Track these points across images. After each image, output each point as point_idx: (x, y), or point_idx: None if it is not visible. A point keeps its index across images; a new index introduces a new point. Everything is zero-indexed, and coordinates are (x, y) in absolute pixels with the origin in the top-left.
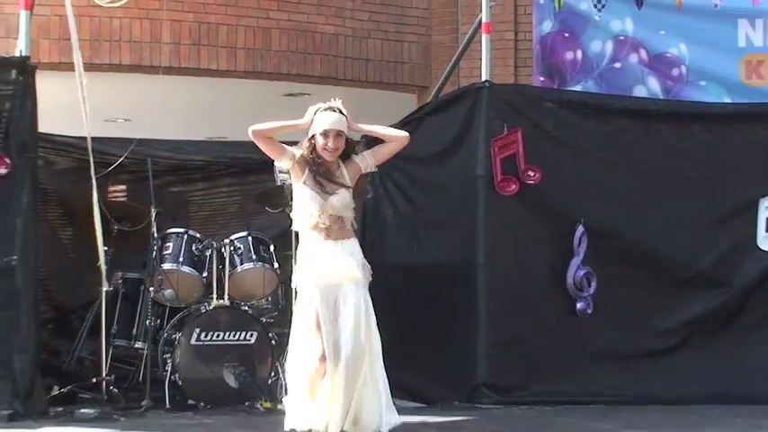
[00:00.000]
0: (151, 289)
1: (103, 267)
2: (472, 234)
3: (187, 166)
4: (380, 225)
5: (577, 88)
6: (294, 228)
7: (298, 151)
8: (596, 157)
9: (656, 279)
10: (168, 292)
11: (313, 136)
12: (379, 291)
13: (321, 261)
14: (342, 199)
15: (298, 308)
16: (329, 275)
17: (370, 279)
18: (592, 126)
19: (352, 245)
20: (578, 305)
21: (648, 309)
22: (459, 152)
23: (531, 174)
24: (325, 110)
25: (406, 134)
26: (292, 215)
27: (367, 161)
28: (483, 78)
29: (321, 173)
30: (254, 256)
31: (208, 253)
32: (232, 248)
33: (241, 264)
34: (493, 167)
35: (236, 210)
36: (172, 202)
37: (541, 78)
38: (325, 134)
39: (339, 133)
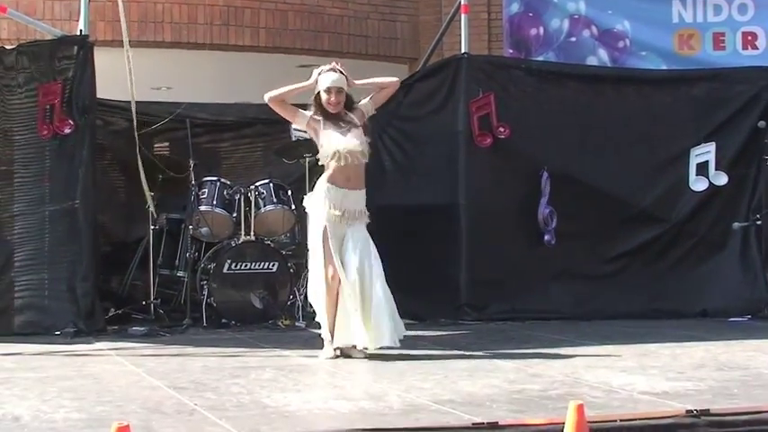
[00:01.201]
0: (190, 227)
1: (152, 208)
2: (455, 179)
3: (219, 125)
4: (380, 171)
5: (540, 58)
6: (321, 161)
7: (309, 112)
8: (556, 115)
9: (607, 215)
10: (204, 230)
11: (318, 93)
12: (379, 225)
13: (336, 204)
14: (356, 135)
15: (311, 234)
16: (339, 217)
17: (368, 222)
18: (552, 90)
19: (362, 195)
20: (545, 237)
21: (599, 240)
22: (443, 112)
23: (503, 129)
24: (328, 71)
25: (397, 79)
26: (319, 154)
27: (368, 106)
28: (462, 51)
29: (334, 119)
30: (274, 199)
31: (237, 197)
32: (257, 193)
33: (264, 206)
34: (471, 124)
35: (258, 160)
36: (206, 155)
37: (510, 51)
38: (328, 91)
39: (339, 90)
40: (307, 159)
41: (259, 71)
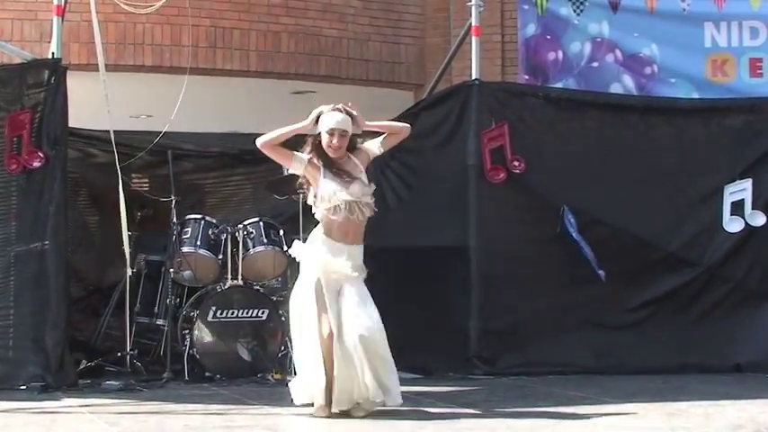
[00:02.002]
0: (171, 270)
1: (127, 251)
2: (464, 218)
3: (204, 157)
4: (382, 209)
5: (559, 85)
6: (318, 215)
7: (306, 155)
8: (577, 148)
9: (632, 258)
10: (187, 273)
11: (319, 134)
12: (381, 268)
13: (331, 257)
14: (360, 186)
15: (300, 286)
16: (334, 273)
17: (365, 276)
18: (572, 119)
19: (361, 250)
20: (600, 273)
21: (624, 285)
22: (452, 144)
23: (517, 163)
24: (332, 110)
25: (408, 126)
26: (315, 206)
27: (374, 148)
28: (473, 77)
29: (335, 166)
30: (265, 240)
31: (223, 237)
32: (245, 233)
33: (253, 247)
34: (483, 157)
35: (247, 197)
36: (190, 190)
37: (526, 77)
38: (330, 132)
39: (343, 133)
40: (301, 196)
41: (249, 98)
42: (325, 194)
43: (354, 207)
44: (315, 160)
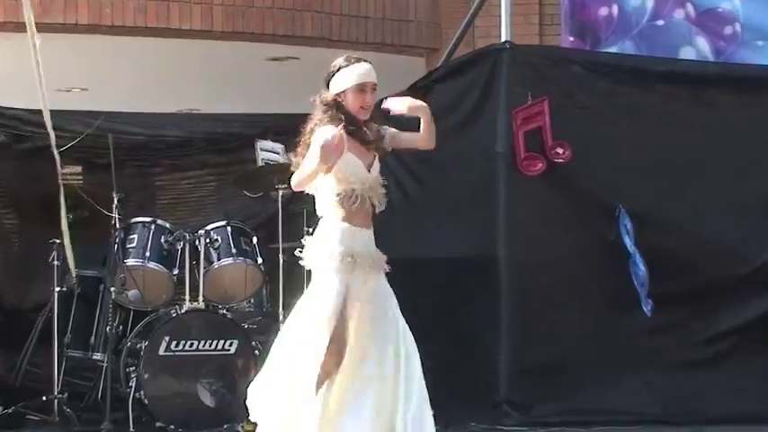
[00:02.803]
0: (112, 289)
1: (72, 262)
2: (491, 222)
3: (155, 144)
4: (385, 210)
5: (613, 50)
6: (327, 202)
7: (325, 129)
8: (637, 131)
9: (706, 276)
10: (132, 293)
11: (339, 97)
12: None
13: (351, 246)
14: (377, 169)
15: (315, 294)
16: (354, 263)
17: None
18: (630, 94)
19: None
20: (645, 305)
21: (696, 311)
22: (474, 125)
23: (560, 150)
24: (355, 62)
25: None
26: (328, 187)
27: (386, 138)
28: (502, 39)
29: (361, 138)
30: (233, 250)
31: (179, 246)
32: (208, 241)
33: (219, 259)
34: (515, 143)
35: (210, 195)
36: (137, 186)
37: (571, 38)
38: (362, 88)
39: (374, 87)
40: (280, 192)
41: (212, 66)
42: (345, 173)
43: (376, 196)
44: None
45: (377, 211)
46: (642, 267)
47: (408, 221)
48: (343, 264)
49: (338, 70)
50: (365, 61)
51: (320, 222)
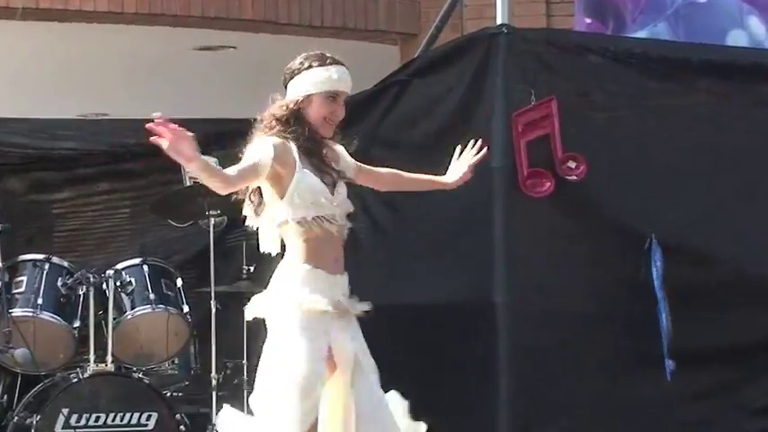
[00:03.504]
0: None
1: None
2: (485, 259)
3: (49, 159)
4: (350, 245)
5: (642, 35)
6: (285, 226)
7: (270, 140)
8: (671, 139)
9: (762, 325)
10: (20, 353)
11: (303, 103)
12: None
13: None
14: (344, 193)
15: (272, 350)
16: (326, 313)
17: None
18: (664, 92)
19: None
20: (667, 364)
21: (745, 370)
22: (463, 133)
23: (573, 165)
24: (331, 62)
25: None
26: (280, 213)
27: (348, 162)
28: (498, 21)
29: (320, 156)
30: (152, 296)
31: (81, 291)
32: (118, 284)
33: (133, 307)
34: (515, 156)
35: (123, 225)
36: (25, 213)
37: (588, 20)
38: (333, 96)
39: (347, 98)
40: (212, 221)
41: (125, 59)
42: (307, 194)
43: (342, 219)
44: (285, 145)
45: (343, 238)
46: (665, 318)
47: (379, 259)
48: (310, 320)
49: (307, 69)
50: (342, 64)
51: (279, 266)
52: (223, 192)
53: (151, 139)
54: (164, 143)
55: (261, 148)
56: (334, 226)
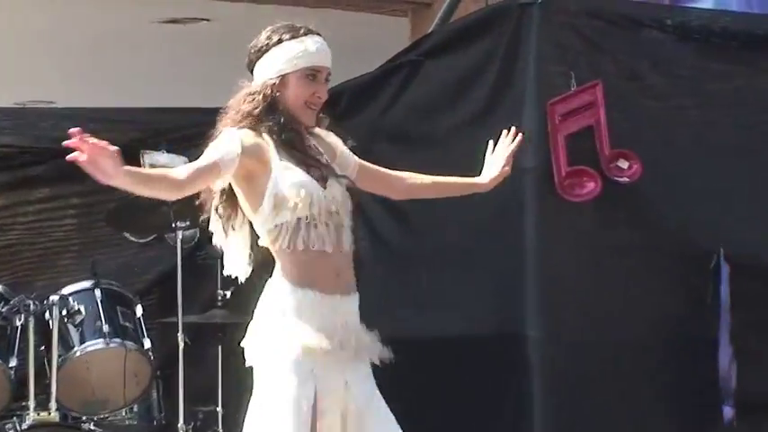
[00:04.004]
0: None
1: None
2: (515, 280)
3: None
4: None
5: (708, 5)
6: (268, 235)
7: (238, 132)
8: (743, 133)
9: None
10: None
11: (274, 85)
12: None
13: (321, 327)
14: (340, 189)
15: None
16: (330, 354)
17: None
18: (736, 75)
19: (357, 301)
20: (724, 411)
21: None
22: (488, 125)
23: (623, 164)
24: (304, 33)
25: None
26: (263, 218)
27: (349, 165)
28: None
29: (303, 148)
30: (105, 328)
31: (18, 322)
32: (65, 313)
33: (82, 342)
34: (552, 153)
35: (70, 239)
36: None
37: None
38: (312, 73)
39: (329, 74)
40: (180, 234)
41: (72, 36)
42: (291, 191)
43: (340, 221)
44: (258, 138)
45: (349, 245)
46: (726, 352)
47: (387, 281)
48: (303, 360)
49: (276, 44)
50: (317, 34)
51: (264, 290)
52: (173, 197)
53: (67, 158)
54: (81, 158)
55: (225, 141)
56: (325, 227)
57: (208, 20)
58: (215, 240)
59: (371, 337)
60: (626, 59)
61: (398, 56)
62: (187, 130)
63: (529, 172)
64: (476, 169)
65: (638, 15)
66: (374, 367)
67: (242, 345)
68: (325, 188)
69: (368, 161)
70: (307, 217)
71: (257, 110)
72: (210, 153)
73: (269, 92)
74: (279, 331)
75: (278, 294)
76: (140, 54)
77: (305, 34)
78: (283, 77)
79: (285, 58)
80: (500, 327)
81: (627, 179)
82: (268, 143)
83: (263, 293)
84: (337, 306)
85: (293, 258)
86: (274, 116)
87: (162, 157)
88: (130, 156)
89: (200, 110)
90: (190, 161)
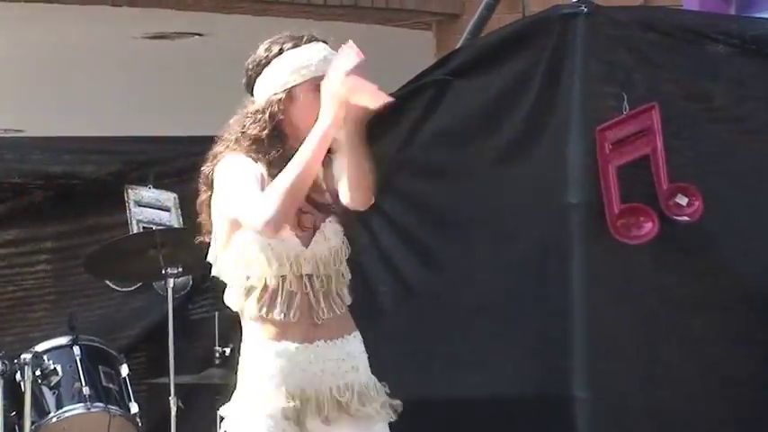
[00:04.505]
0: None
1: None
2: (559, 329)
3: None
4: (367, 305)
5: None
6: (232, 304)
7: (242, 157)
8: None
9: None
10: None
11: (278, 102)
12: None
13: (295, 382)
14: (334, 234)
15: None
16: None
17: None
18: None
19: (356, 344)
20: None
21: None
22: (526, 155)
23: (684, 201)
24: (308, 40)
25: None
26: (231, 277)
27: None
28: None
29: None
30: (85, 390)
31: None
32: (38, 373)
33: (59, 407)
34: (602, 187)
35: (45, 288)
36: None
37: None
38: (320, 85)
39: None
40: (171, 282)
41: (44, 54)
42: (262, 254)
43: (318, 276)
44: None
45: (340, 282)
46: None
47: (407, 333)
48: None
49: (277, 55)
50: (322, 41)
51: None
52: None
53: None
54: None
55: (244, 164)
56: (306, 288)
57: (200, 34)
58: (214, 272)
59: (376, 399)
60: (687, 78)
61: (422, 75)
62: (177, 163)
63: (576, 208)
64: (510, 207)
65: (700, 27)
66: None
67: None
68: (308, 245)
69: (388, 197)
70: (280, 278)
71: (264, 132)
72: (248, 179)
73: (275, 109)
74: (247, 399)
75: (248, 350)
76: (123, 74)
77: (308, 41)
78: (290, 91)
79: (289, 69)
80: (543, 386)
81: (687, 218)
82: (265, 179)
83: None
84: (316, 355)
85: (258, 307)
86: (280, 149)
87: (149, 192)
88: (113, 190)
89: (193, 139)
90: (180, 198)
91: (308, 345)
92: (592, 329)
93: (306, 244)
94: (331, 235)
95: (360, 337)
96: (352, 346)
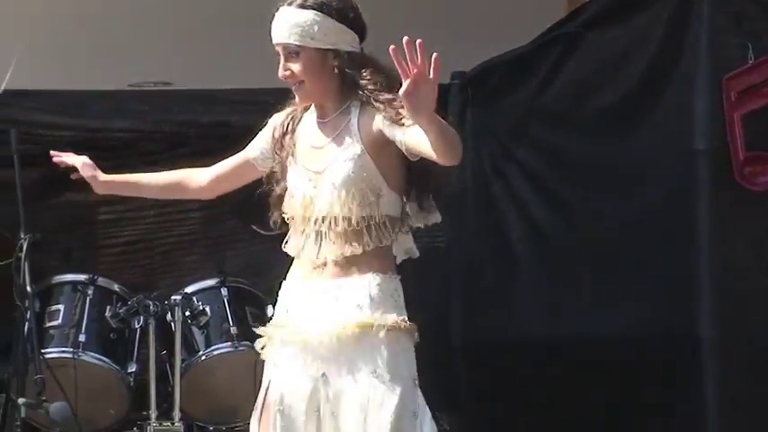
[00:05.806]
0: (21, 402)
1: None
2: (686, 274)
3: (94, 145)
4: (500, 254)
5: None
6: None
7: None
8: None
9: None
10: (57, 408)
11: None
12: (484, 380)
13: (293, 314)
14: (347, 154)
15: None
16: (306, 352)
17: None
18: None
19: (363, 284)
20: None
21: None
22: (653, 103)
23: None
24: (284, 3)
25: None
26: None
27: (386, 127)
28: None
29: (292, 130)
30: (233, 330)
31: (138, 324)
32: (188, 313)
33: (207, 345)
34: (728, 135)
35: (194, 234)
36: (62, 221)
37: None
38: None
39: (287, 49)
40: None
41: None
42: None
43: (316, 219)
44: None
45: (362, 243)
46: None
47: (541, 276)
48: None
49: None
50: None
51: None
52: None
53: None
54: None
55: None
56: (311, 231)
57: None
58: None
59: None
60: None
61: (554, 27)
62: None
63: (702, 155)
64: (645, 149)
65: None
66: (521, 364)
67: None
68: (311, 181)
69: (521, 146)
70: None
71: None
72: None
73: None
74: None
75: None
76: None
77: (283, 5)
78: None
79: None
80: (669, 326)
81: None
82: (287, 118)
83: None
84: (312, 289)
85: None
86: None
87: None
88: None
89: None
90: None
91: (306, 280)
92: (719, 272)
93: (311, 180)
94: (340, 171)
95: (390, 277)
96: (365, 282)
